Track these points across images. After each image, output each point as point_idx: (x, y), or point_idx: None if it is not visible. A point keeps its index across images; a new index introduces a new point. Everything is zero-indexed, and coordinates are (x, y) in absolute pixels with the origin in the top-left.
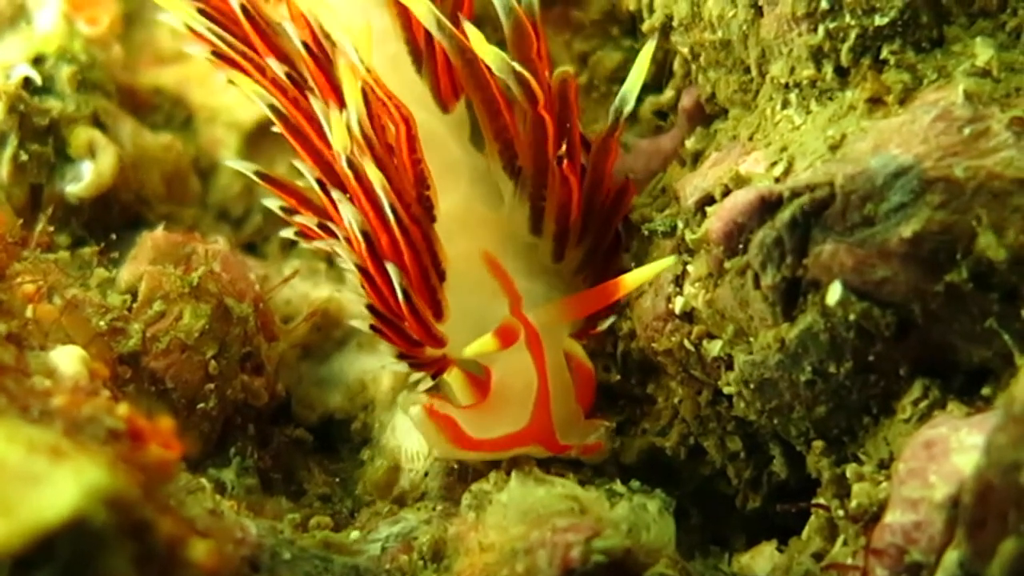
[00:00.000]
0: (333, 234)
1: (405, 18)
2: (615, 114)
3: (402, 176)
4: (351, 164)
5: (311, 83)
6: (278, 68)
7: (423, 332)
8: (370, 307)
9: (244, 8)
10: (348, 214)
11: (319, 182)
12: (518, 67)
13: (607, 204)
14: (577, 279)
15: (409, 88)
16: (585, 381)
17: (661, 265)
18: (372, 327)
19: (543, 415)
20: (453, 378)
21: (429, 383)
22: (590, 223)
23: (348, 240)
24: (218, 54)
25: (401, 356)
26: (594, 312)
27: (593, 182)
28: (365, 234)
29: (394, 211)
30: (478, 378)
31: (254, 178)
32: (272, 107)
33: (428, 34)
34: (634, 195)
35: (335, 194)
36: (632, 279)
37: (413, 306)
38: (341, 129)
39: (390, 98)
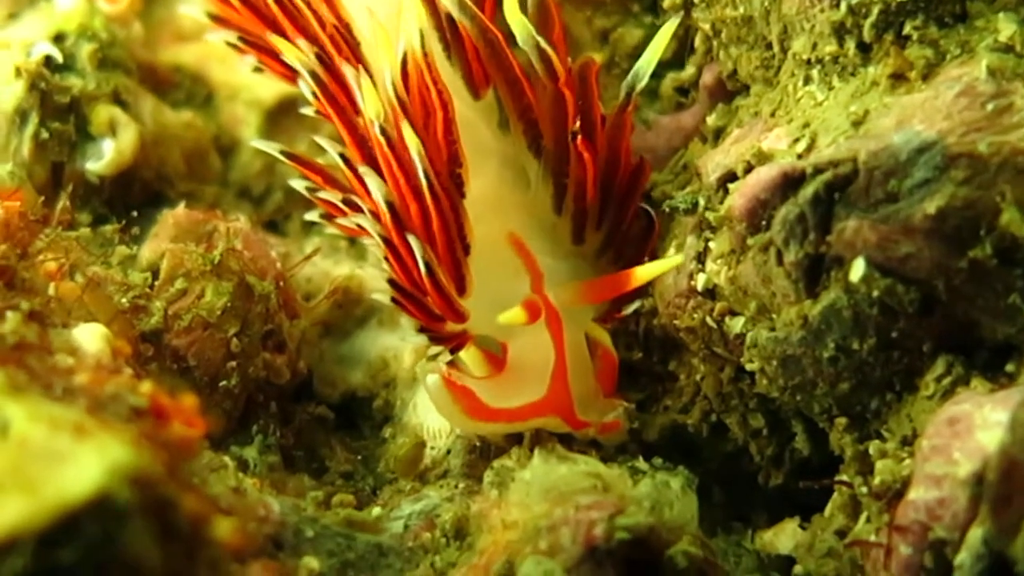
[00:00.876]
0: (358, 209)
1: (433, 7)
2: (627, 89)
3: (435, 151)
4: (384, 132)
5: (341, 58)
6: (308, 48)
7: (445, 306)
8: (391, 281)
9: None
10: (374, 185)
11: (343, 157)
12: (543, 42)
13: (623, 184)
14: (601, 261)
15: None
16: (608, 367)
17: (672, 262)
18: (393, 300)
19: (561, 387)
20: (469, 355)
21: (447, 357)
22: (608, 203)
23: (374, 214)
24: (245, 39)
25: (422, 330)
26: (611, 298)
27: (609, 160)
28: (391, 205)
29: (426, 178)
30: (494, 355)
31: (279, 157)
32: (312, 74)
33: (453, 27)
34: (650, 174)
35: (361, 167)
36: (644, 272)
37: (436, 279)
38: (373, 96)
39: (436, 82)
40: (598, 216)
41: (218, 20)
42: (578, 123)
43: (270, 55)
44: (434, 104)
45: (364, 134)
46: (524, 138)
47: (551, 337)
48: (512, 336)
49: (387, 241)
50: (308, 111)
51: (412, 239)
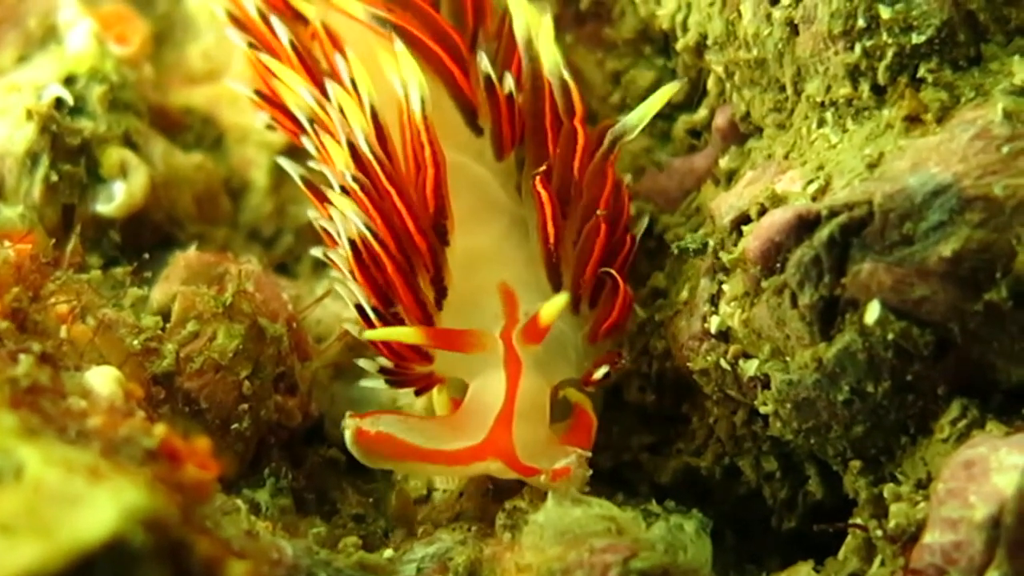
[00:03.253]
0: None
1: (451, 78)
2: (613, 137)
3: (420, 203)
4: (356, 179)
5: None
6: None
7: (406, 347)
8: (359, 310)
9: (292, 44)
10: (341, 224)
11: (343, 189)
12: (567, 75)
13: (595, 256)
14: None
15: (456, 136)
16: (583, 424)
17: (560, 300)
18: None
19: (502, 431)
20: (439, 400)
21: (411, 398)
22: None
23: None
24: (260, 94)
25: (383, 370)
26: (538, 338)
27: (588, 207)
28: (352, 243)
29: (369, 228)
30: (459, 401)
31: (298, 182)
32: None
33: (490, 89)
34: (634, 251)
35: (337, 205)
36: (546, 313)
37: (387, 322)
38: (342, 153)
39: (431, 143)
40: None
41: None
42: (545, 166)
43: (282, 111)
44: (426, 162)
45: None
46: (532, 190)
47: (505, 379)
48: (475, 377)
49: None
50: (314, 164)
51: (354, 286)
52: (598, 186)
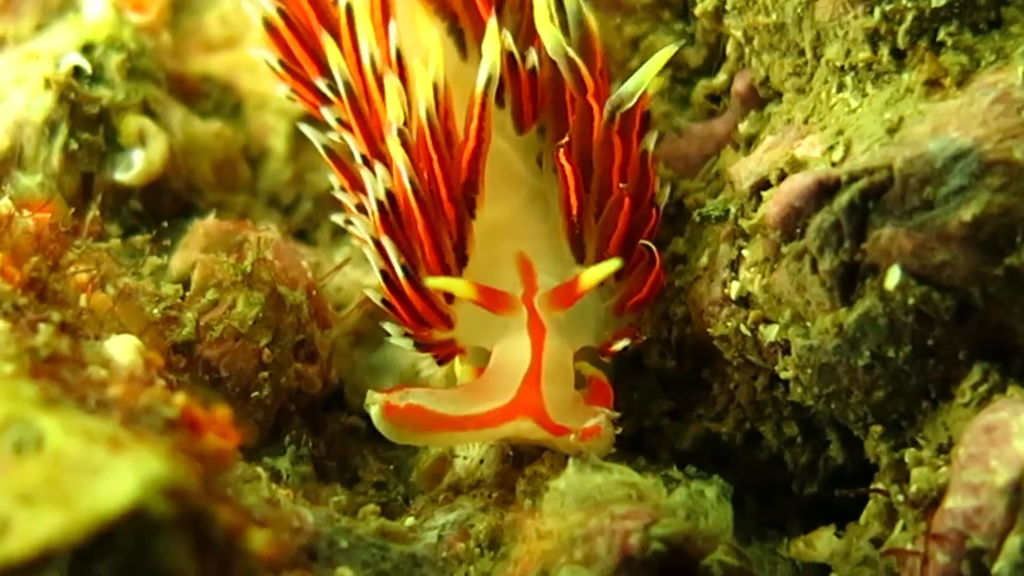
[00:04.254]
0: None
1: (478, 50)
2: (611, 108)
3: (454, 172)
4: (400, 134)
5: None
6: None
7: (428, 309)
8: (383, 275)
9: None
10: (370, 183)
11: (363, 157)
12: (571, 52)
13: (620, 230)
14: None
15: None
16: (600, 391)
17: (611, 266)
18: (383, 301)
19: (532, 388)
20: (463, 371)
21: (434, 368)
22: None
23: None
24: (283, 64)
25: (406, 335)
26: (572, 301)
27: (602, 181)
28: (380, 204)
29: (411, 184)
30: (483, 370)
31: (319, 149)
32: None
33: (512, 63)
34: (658, 224)
35: (362, 168)
36: (589, 277)
37: (415, 282)
38: (396, 101)
39: (482, 119)
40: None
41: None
42: (566, 139)
43: (303, 82)
44: (470, 133)
45: (381, 145)
46: (554, 164)
47: (530, 342)
48: (497, 343)
49: (376, 241)
50: (334, 136)
51: (386, 241)
52: (607, 157)
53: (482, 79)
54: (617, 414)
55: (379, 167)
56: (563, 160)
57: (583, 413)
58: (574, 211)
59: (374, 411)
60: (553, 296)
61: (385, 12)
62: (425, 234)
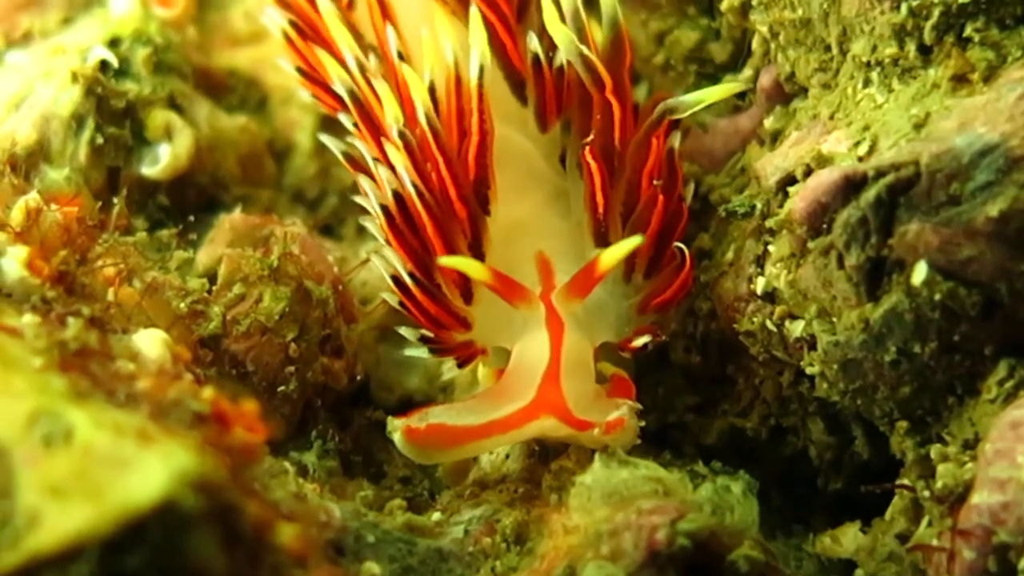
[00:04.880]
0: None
1: (501, 48)
2: (662, 112)
3: (462, 170)
4: (402, 135)
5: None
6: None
7: (444, 312)
8: (395, 280)
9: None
10: (370, 189)
11: (375, 160)
12: (585, 50)
13: (653, 227)
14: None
15: (502, 106)
16: (623, 386)
17: (633, 242)
18: (401, 303)
19: (551, 387)
20: (484, 376)
21: (455, 371)
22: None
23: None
24: (302, 71)
25: (424, 339)
26: (591, 286)
27: (631, 182)
28: (385, 208)
29: (414, 186)
30: (503, 371)
31: (339, 156)
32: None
33: (536, 62)
34: (686, 221)
35: (375, 168)
36: (609, 256)
37: (425, 287)
38: (392, 104)
39: (480, 110)
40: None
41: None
42: (592, 136)
43: (323, 87)
44: (472, 128)
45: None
46: (576, 161)
47: (549, 338)
48: (517, 341)
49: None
50: (352, 140)
51: (393, 247)
52: (641, 157)
53: (473, 71)
54: (639, 406)
55: (383, 171)
56: (588, 158)
57: (606, 406)
58: (600, 209)
59: (397, 437)
60: (571, 284)
61: (385, 13)
62: (436, 237)
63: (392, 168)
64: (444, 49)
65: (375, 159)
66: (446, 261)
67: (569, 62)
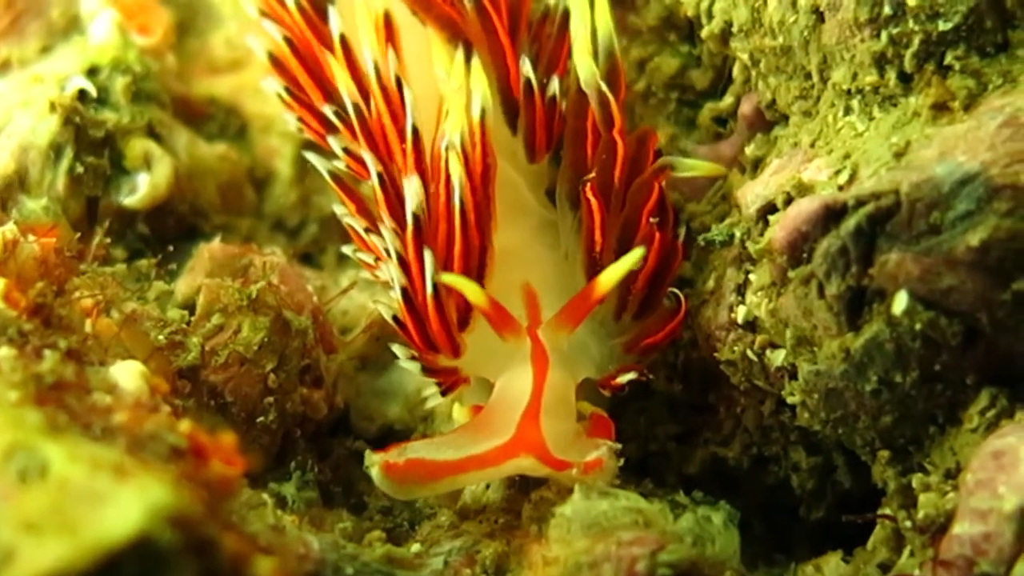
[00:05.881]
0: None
1: (503, 75)
2: (663, 164)
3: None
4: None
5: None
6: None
7: (443, 334)
8: (403, 291)
9: (342, 37)
10: (411, 193)
11: (380, 176)
12: (604, 86)
13: (649, 266)
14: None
15: (493, 134)
16: (602, 425)
17: (634, 256)
18: (395, 319)
19: (531, 425)
20: (459, 413)
21: (438, 399)
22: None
23: (395, 231)
24: (291, 92)
25: (414, 358)
26: (585, 314)
27: (629, 221)
28: (416, 218)
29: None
30: (479, 408)
31: (325, 176)
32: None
33: (528, 89)
34: (681, 260)
35: (405, 177)
36: (607, 278)
37: (439, 302)
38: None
39: (484, 145)
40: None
41: (275, 63)
42: (594, 173)
43: (311, 111)
44: (475, 159)
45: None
46: (567, 185)
47: (532, 374)
48: (500, 375)
49: (401, 259)
50: (339, 164)
51: (427, 253)
52: (643, 197)
53: (476, 110)
54: (619, 446)
55: (414, 179)
56: (589, 195)
57: (584, 446)
58: (598, 247)
59: (375, 473)
60: (563, 313)
61: (389, 35)
62: (460, 258)
63: (425, 180)
64: (439, 77)
65: (380, 175)
66: (448, 278)
67: (561, 93)
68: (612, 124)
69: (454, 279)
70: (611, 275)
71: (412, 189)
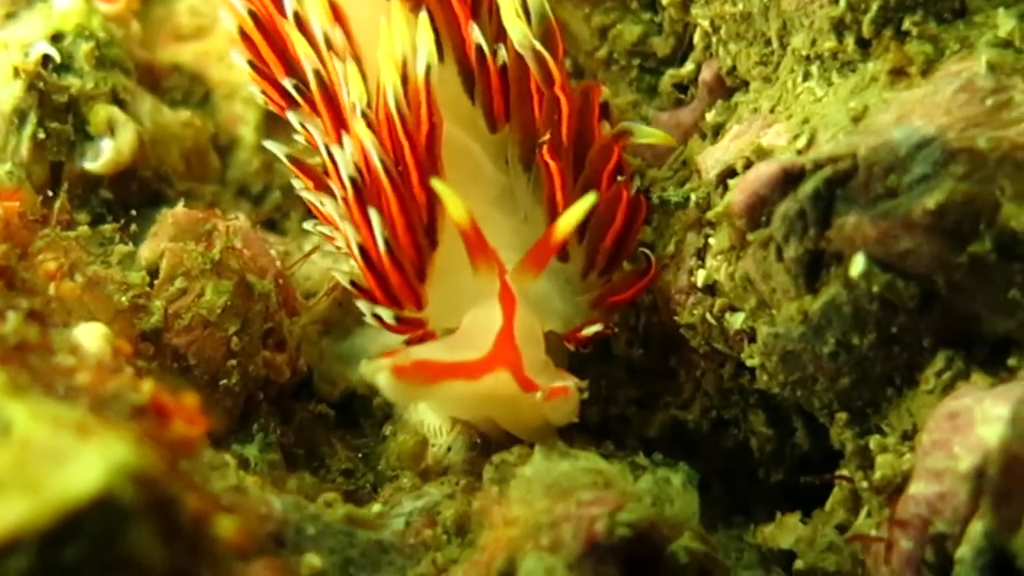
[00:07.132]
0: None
1: (459, 44)
2: (621, 129)
3: (416, 158)
4: (364, 115)
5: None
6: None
7: (402, 285)
8: (361, 249)
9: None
10: (342, 161)
11: (326, 147)
12: (539, 45)
13: (617, 224)
14: (586, 283)
15: (453, 105)
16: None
17: (588, 201)
18: (353, 284)
19: (506, 343)
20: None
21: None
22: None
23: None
24: (253, 65)
25: (376, 315)
26: (548, 257)
27: (591, 182)
28: (353, 181)
29: (382, 163)
30: None
31: (283, 160)
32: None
33: (481, 57)
34: (645, 214)
35: (333, 146)
36: (566, 222)
37: (394, 257)
38: (359, 84)
39: (429, 104)
40: (584, 239)
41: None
42: (548, 134)
43: (271, 82)
44: (422, 119)
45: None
46: (519, 148)
47: (502, 309)
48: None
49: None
50: (298, 139)
51: (372, 212)
52: (603, 159)
53: (421, 66)
54: (585, 383)
55: (348, 141)
56: (547, 158)
57: (553, 375)
58: (560, 209)
59: (383, 377)
60: (527, 259)
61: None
62: (399, 214)
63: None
64: (396, 47)
65: (327, 145)
66: (437, 185)
67: (512, 58)
68: (553, 81)
69: (441, 189)
70: (569, 218)
71: (344, 155)
